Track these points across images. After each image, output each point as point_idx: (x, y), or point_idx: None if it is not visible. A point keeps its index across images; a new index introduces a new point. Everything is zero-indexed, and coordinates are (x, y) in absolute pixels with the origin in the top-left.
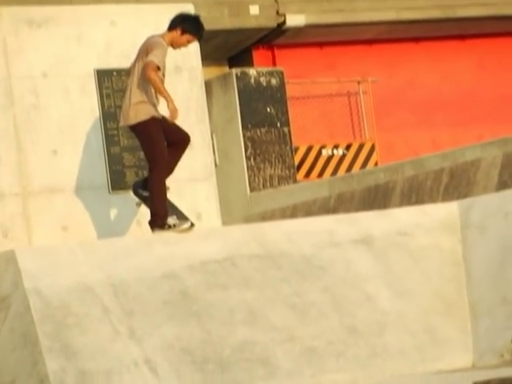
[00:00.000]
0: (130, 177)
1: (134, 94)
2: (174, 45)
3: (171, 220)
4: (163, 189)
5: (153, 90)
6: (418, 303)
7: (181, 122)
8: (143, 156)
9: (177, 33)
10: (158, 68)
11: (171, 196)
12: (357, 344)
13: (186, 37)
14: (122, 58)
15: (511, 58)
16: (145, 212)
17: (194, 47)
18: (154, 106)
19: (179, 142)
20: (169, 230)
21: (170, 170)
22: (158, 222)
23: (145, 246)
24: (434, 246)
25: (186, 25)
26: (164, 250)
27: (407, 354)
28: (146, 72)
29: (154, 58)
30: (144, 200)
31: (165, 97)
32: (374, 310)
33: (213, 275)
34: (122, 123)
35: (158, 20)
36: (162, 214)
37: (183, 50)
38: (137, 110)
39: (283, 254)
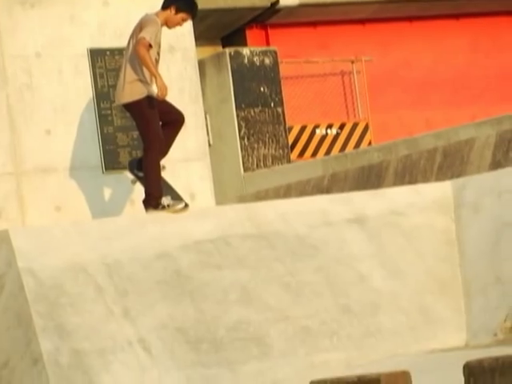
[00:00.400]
0: (124, 157)
1: (128, 73)
2: (169, 24)
3: (165, 200)
4: (158, 169)
5: None
6: (412, 283)
7: (174, 102)
8: (137, 136)
9: (171, 11)
10: (150, 45)
11: (166, 176)
12: (350, 324)
13: (181, 15)
14: (115, 37)
15: (505, 37)
16: (139, 191)
17: (188, 27)
18: (149, 84)
19: (174, 122)
20: (163, 210)
21: (164, 150)
22: (152, 202)
23: (138, 225)
24: (427, 225)
25: (180, 3)
26: (158, 229)
27: (401, 333)
28: (136, 48)
29: (145, 34)
30: (139, 179)
31: (152, 73)
32: (368, 289)
33: (206, 255)
34: (116, 102)
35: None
36: (156, 194)
37: (177, 30)
38: (131, 89)
39: (277, 234)
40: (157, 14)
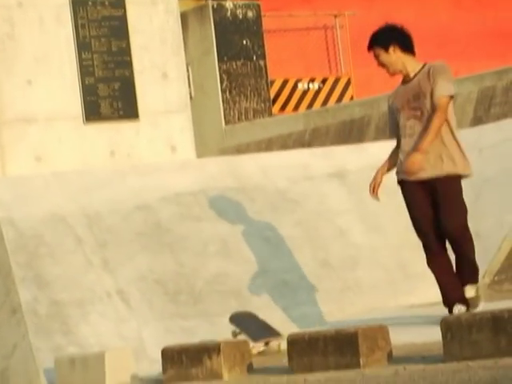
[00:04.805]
0: (105, 108)
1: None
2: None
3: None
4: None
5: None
6: (391, 238)
7: (156, 54)
8: (118, 87)
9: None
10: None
11: (145, 127)
12: (329, 278)
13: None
14: None
15: None
16: (119, 143)
17: None
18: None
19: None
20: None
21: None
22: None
23: (118, 177)
24: None
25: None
26: (138, 181)
27: (379, 288)
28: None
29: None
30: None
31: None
32: (347, 244)
33: (186, 207)
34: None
35: None
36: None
37: None
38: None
39: (257, 188)
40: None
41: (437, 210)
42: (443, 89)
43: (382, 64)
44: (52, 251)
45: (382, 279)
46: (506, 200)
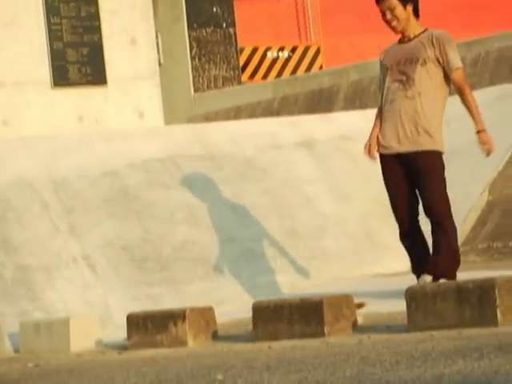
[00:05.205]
0: (73, 73)
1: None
2: None
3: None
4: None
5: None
6: (358, 207)
7: (125, 19)
8: (87, 52)
9: None
10: None
11: (114, 93)
12: (296, 247)
13: None
14: None
15: None
16: (87, 108)
17: None
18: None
19: None
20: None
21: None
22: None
23: (86, 143)
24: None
25: None
26: (105, 147)
27: (345, 257)
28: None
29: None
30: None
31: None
32: (314, 213)
33: (154, 174)
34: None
35: None
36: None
37: None
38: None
39: (225, 156)
40: None
41: (417, 187)
42: (456, 60)
43: (392, 18)
44: (19, 216)
45: (349, 248)
46: (474, 171)
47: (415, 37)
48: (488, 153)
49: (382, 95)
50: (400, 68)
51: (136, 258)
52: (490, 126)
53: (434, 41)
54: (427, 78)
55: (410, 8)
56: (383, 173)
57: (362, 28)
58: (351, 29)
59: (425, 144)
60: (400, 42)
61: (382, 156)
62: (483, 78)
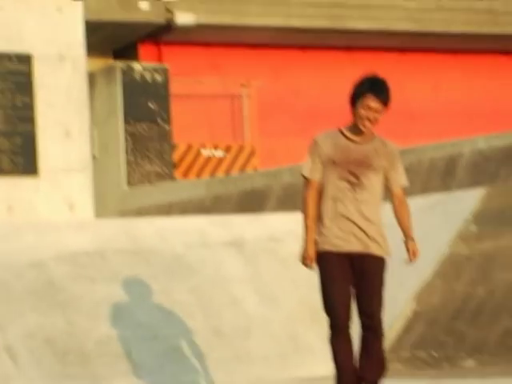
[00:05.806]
0: (5, 162)
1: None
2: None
3: None
4: None
5: None
6: (284, 310)
7: (61, 111)
8: (20, 142)
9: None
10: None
11: (45, 185)
12: (221, 346)
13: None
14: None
15: (397, 73)
16: (16, 198)
17: (79, 36)
18: None
19: None
20: None
21: None
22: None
23: (14, 233)
24: None
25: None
26: (33, 238)
27: (270, 359)
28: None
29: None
30: None
31: None
32: (240, 313)
33: (81, 267)
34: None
35: None
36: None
37: (68, 38)
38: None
39: (154, 251)
40: None
41: (357, 289)
42: (405, 178)
43: (373, 119)
44: None
45: (273, 350)
46: (402, 279)
47: (370, 141)
48: (411, 260)
49: (316, 181)
50: (350, 168)
51: (59, 351)
52: (420, 236)
53: (388, 152)
54: (376, 184)
55: None
56: (328, 269)
57: (296, 131)
58: (286, 131)
59: (375, 249)
60: (351, 139)
61: (327, 253)
62: (415, 187)
